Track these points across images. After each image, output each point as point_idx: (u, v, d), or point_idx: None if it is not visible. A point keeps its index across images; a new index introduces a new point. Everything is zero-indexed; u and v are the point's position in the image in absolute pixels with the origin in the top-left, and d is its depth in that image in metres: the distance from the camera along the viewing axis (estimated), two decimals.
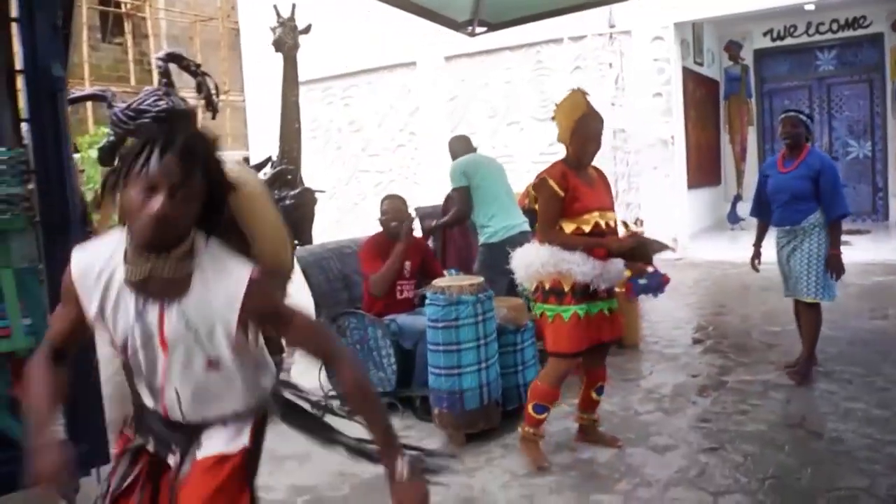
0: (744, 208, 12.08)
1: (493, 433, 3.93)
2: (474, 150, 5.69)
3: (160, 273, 1.57)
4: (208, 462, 1.75)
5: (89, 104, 14.96)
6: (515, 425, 4.00)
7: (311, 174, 6.35)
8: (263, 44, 12.61)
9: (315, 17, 5.72)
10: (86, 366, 3.29)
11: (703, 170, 11.86)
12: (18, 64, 3.21)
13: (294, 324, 1.72)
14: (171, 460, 1.81)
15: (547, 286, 3.42)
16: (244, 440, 1.80)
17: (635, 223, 8.83)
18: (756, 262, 4.97)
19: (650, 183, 10.39)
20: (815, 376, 4.60)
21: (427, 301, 3.91)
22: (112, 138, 5.01)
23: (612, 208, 3.56)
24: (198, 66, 5.32)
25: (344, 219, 12.34)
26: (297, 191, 4.96)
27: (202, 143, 1.59)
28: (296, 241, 5.41)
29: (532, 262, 3.43)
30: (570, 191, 3.39)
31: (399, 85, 12.35)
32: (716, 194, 12.71)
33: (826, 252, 4.49)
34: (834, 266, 4.49)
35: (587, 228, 3.41)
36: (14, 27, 3.18)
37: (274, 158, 5.68)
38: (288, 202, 4.71)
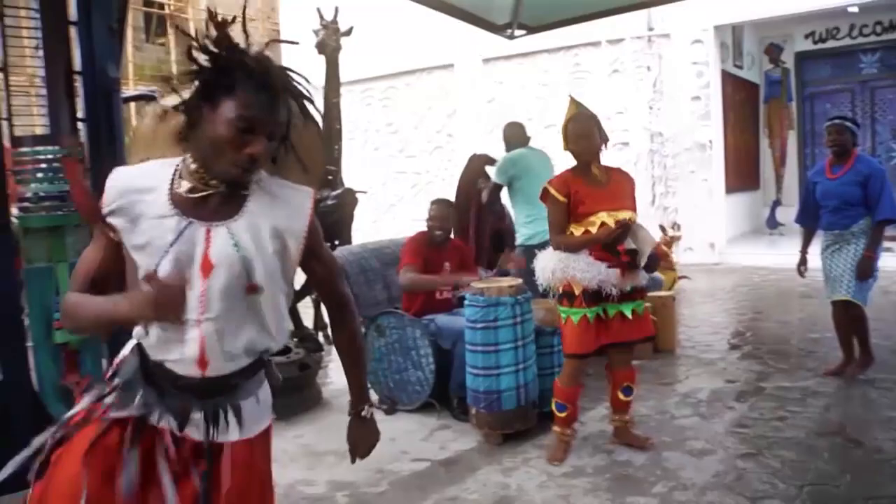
0: (783, 213, 11.98)
1: (529, 434, 3.96)
2: (528, 139, 5.77)
3: (218, 194, 1.58)
4: (253, 446, 1.70)
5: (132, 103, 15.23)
6: (551, 427, 4.03)
7: (348, 175, 6.43)
8: (303, 45, 12.79)
9: (355, 18, 5.79)
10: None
11: (742, 174, 11.74)
12: (76, 65, 3.32)
13: (325, 257, 1.77)
14: (192, 432, 1.63)
15: (560, 289, 3.53)
16: (268, 415, 1.79)
17: (672, 227, 8.80)
18: (802, 268, 4.95)
19: (688, 187, 10.32)
20: (855, 383, 4.57)
21: (466, 302, 3.96)
22: None
23: (627, 207, 3.53)
24: None
25: (380, 219, 12.43)
26: (338, 191, 5.04)
27: (293, 82, 1.63)
28: (335, 242, 5.49)
29: (546, 267, 3.56)
30: (572, 196, 3.50)
31: (437, 87, 12.42)
32: (754, 199, 12.57)
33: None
34: (863, 267, 4.48)
35: (594, 230, 3.46)
36: (72, 30, 3.30)
37: None
38: (329, 202, 4.78)
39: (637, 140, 10.59)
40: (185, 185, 1.58)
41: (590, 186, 3.53)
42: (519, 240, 5.24)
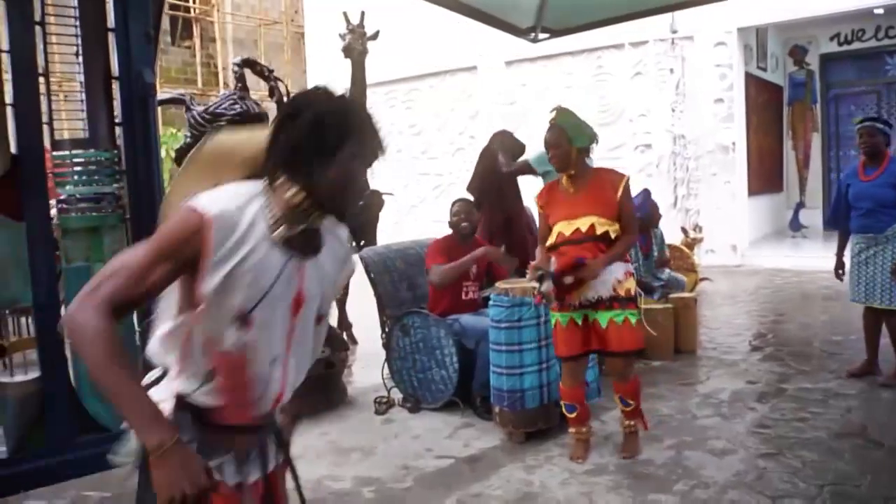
0: (806, 216, 11.92)
1: (551, 432, 4.02)
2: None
3: (314, 226, 1.55)
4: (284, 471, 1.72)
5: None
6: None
7: (371, 176, 6.51)
8: (327, 47, 12.92)
9: (378, 20, 5.86)
10: None
11: (765, 176, 11.70)
12: (114, 71, 3.45)
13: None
14: (250, 475, 1.61)
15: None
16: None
17: (694, 229, 8.82)
18: (840, 272, 4.92)
19: (710, 189, 10.32)
20: (878, 386, 4.58)
21: (491, 302, 4.03)
22: (189, 139, 5.23)
23: (587, 213, 3.52)
24: (271, 71, 5.53)
25: (402, 221, 12.53)
26: (365, 193, 5.12)
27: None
28: (362, 242, 5.57)
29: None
30: (546, 207, 3.68)
31: (460, 89, 12.51)
32: (777, 201, 12.52)
33: None
34: None
35: (553, 241, 3.60)
36: (110, 36, 3.42)
37: None
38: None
39: (659, 142, 10.60)
40: (280, 218, 1.49)
41: (559, 195, 3.65)
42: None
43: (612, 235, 3.50)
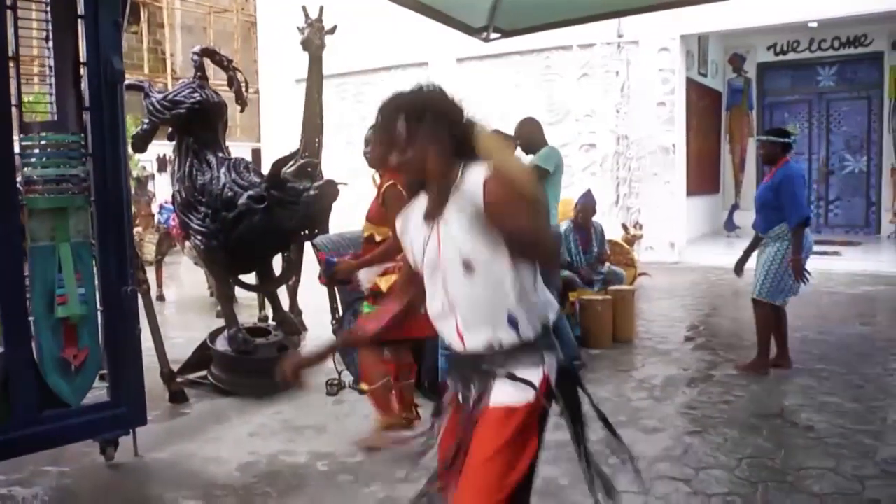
0: (740, 217, 12.46)
1: None
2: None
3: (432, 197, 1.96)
4: (499, 413, 1.88)
5: None
6: None
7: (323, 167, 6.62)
8: (279, 37, 12.94)
9: (333, 14, 5.99)
10: (127, 335, 3.64)
11: (703, 178, 12.20)
12: (83, 57, 3.54)
13: (514, 214, 1.80)
14: (466, 398, 1.97)
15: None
16: (529, 396, 1.89)
17: (635, 226, 9.19)
18: (739, 268, 5.30)
19: (651, 189, 10.73)
20: (796, 373, 4.95)
21: None
22: (147, 126, 5.30)
23: (366, 217, 3.94)
24: (230, 61, 5.64)
25: (354, 210, 12.63)
26: (319, 182, 5.26)
27: None
28: (315, 231, 5.73)
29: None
30: None
31: (411, 84, 12.65)
32: (714, 202, 13.05)
33: (783, 260, 4.82)
34: (795, 270, 4.80)
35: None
36: (80, 23, 3.51)
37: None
38: (311, 193, 5.01)
39: (603, 142, 10.96)
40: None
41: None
42: None
43: (378, 238, 3.82)
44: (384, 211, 3.62)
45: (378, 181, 3.71)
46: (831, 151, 12.38)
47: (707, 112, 12.43)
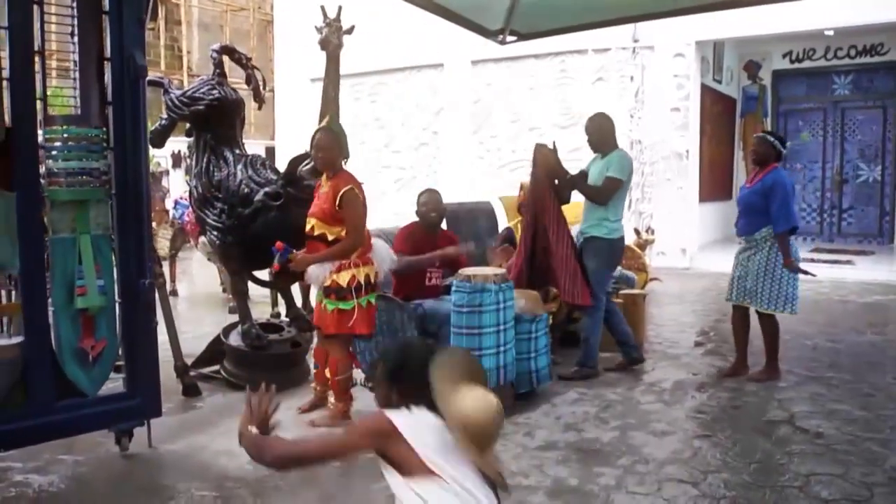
0: None
1: (506, 412, 4.25)
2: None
3: None
4: None
5: None
6: (526, 407, 4.39)
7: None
8: (296, 36, 13.00)
9: (350, 14, 6.04)
10: (144, 327, 3.69)
11: (716, 184, 12.18)
12: (106, 52, 3.60)
13: None
14: None
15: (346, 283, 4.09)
16: None
17: (647, 231, 9.19)
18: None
19: (663, 194, 10.73)
20: (805, 381, 4.95)
21: (453, 288, 4.28)
22: (165, 122, 5.36)
23: (314, 216, 4.10)
24: (248, 59, 5.69)
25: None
26: None
27: None
28: None
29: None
30: (312, 198, 4.24)
31: (426, 85, 12.73)
32: (726, 209, 12.98)
33: (779, 264, 4.84)
34: (793, 270, 4.84)
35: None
36: (105, 19, 3.57)
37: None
38: None
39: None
40: None
41: (316, 193, 4.19)
42: (600, 233, 5.07)
43: (330, 238, 4.01)
44: (339, 213, 3.96)
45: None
46: (845, 160, 12.33)
47: (721, 119, 12.41)
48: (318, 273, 4.03)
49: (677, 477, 3.45)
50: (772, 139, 5.03)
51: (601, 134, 5.26)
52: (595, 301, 5.02)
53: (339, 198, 3.96)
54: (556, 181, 5.23)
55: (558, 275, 4.99)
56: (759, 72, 12.86)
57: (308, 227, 4.11)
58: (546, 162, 5.22)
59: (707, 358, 5.64)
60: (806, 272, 4.86)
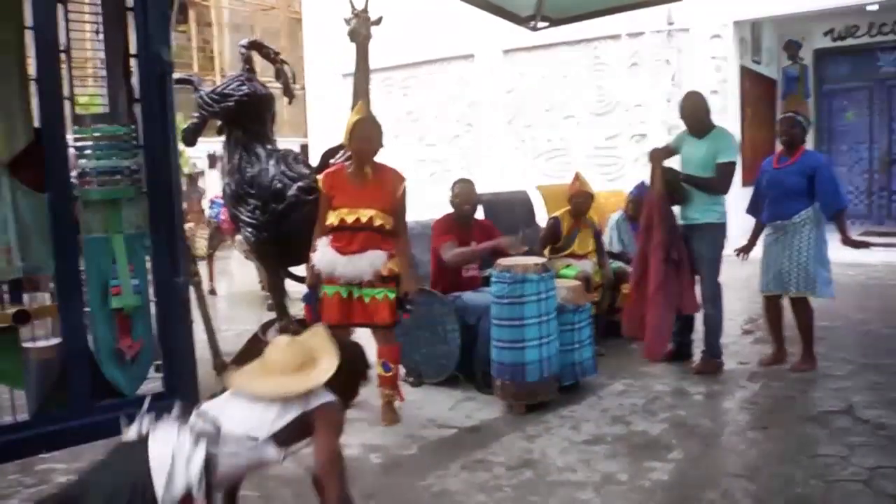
0: None
1: (550, 405, 4.17)
2: None
3: None
4: None
5: None
6: (571, 400, 4.26)
7: None
8: (324, 33, 12.97)
9: (378, 6, 5.97)
10: (180, 326, 3.64)
11: (758, 168, 11.79)
12: (133, 49, 3.54)
13: None
14: None
15: None
16: None
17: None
18: (744, 255, 5.21)
19: None
20: (862, 369, 4.75)
21: (493, 279, 4.17)
22: (196, 120, 5.33)
23: (370, 206, 3.89)
24: (277, 54, 5.62)
25: None
26: None
27: None
28: None
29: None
30: (332, 189, 3.96)
31: (457, 77, 12.61)
32: None
33: (815, 247, 4.68)
34: (855, 245, 4.74)
35: (335, 222, 3.92)
36: (129, 16, 3.51)
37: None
38: None
39: (654, 133, 10.73)
40: None
41: (350, 183, 3.95)
42: (712, 219, 4.86)
43: (387, 227, 3.91)
44: (395, 203, 3.95)
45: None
46: (893, 140, 11.94)
47: (761, 101, 12.08)
48: (371, 263, 3.86)
49: (732, 471, 3.30)
50: (801, 118, 4.83)
51: (697, 113, 4.96)
52: (717, 289, 4.86)
53: (398, 190, 3.93)
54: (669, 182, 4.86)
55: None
56: (800, 51, 12.48)
57: (365, 218, 3.87)
58: (660, 164, 4.90)
59: (757, 346, 5.45)
60: (866, 244, 4.73)
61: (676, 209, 4.94)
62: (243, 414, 2.29)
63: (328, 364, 2.40)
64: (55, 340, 3.45)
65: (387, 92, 13.16)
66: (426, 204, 11.59)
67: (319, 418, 2.34)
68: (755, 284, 8.00)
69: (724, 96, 10.40)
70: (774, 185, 4.85)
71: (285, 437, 2.29)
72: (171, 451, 2.11)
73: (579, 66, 11.42)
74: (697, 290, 4.90)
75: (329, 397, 2.38)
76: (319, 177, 4.10)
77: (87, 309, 3.43)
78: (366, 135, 3.91)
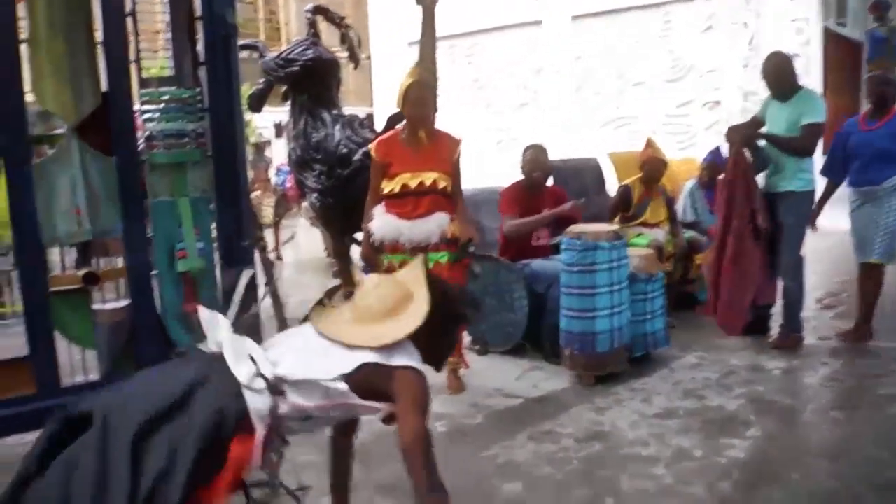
0: None
1: (620, 377, 4.05)
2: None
3: None
4: None
5: None
6: (642, 372, 4.12)
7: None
8: (389, 1, 12.86)
9: None
10: (245, 288, 3.63)
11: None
12: (197, 12, 3.51)
13: None
14: None
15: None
16: None
17: None
18: (813, 227, 4.91)
19: None
20: None
21: (563, 246, 4.04)
22: (262, 86, 5.32)
23: (432, 169, 3.78)
24: (342, 18, 5.55)
25: (465, 175, 12.53)
26: None
27: None
28: None
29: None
30: (388, 157, 3.81)
31: (524, 43, 12.34)
32: None
33: None
34: None
35: (396, 188, 3.78)
36: None
37: None
38: None
39: (729, 99, 10.33)
40: None
41: (406, 149, 3.81)
42: (798, 186, 4.69)
43: (449, 190, 3.83)
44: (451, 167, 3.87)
45: None
46: None
47: (845, 66, 11.48)
48: (438, 225, 3.78)
49: (815, 451, 3.14)
50: (892, 76, 4.51)
51: (781, 74, 4.67)
52: (799, 261, 4.63)
53: (454, 153, 3.87)
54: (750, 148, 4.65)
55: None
56: (889, 12, 11.79)
57: (429, 181, 3.78)
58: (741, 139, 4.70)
59: (838, 321, 5.17)
60: None
61: (760, 177, 4.69)
62: (318, 354, 2.03)
63: (418, 307, 2.06)
64: (124, 302, 3.49)
65: (451, 60, 12.98)
66: (492, 173, 11.52)
67: (401, 387, 1.93)
68: (834, 257, 7.69)
69: (805, 60, 9.90)
70: (862, 149, 4.55)
71: (355, 387, 1.95)
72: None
73: (650, 31, 11.04)
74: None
75: (414, 360, 2.01)
76: (371, 146, 3.97)
77: (154, 272, 3.46)
78: (419, 98, 3.79)
